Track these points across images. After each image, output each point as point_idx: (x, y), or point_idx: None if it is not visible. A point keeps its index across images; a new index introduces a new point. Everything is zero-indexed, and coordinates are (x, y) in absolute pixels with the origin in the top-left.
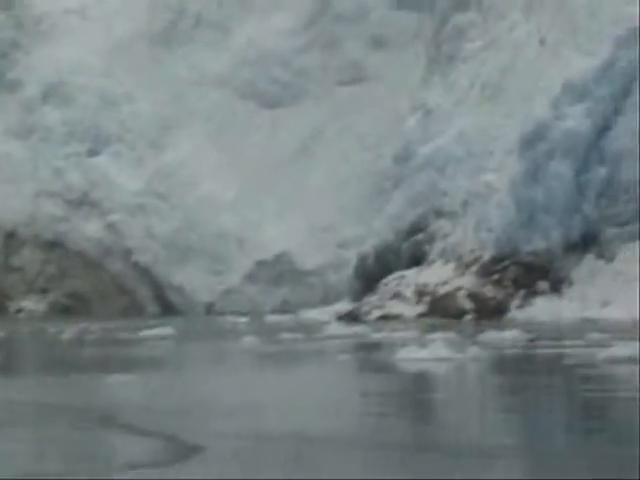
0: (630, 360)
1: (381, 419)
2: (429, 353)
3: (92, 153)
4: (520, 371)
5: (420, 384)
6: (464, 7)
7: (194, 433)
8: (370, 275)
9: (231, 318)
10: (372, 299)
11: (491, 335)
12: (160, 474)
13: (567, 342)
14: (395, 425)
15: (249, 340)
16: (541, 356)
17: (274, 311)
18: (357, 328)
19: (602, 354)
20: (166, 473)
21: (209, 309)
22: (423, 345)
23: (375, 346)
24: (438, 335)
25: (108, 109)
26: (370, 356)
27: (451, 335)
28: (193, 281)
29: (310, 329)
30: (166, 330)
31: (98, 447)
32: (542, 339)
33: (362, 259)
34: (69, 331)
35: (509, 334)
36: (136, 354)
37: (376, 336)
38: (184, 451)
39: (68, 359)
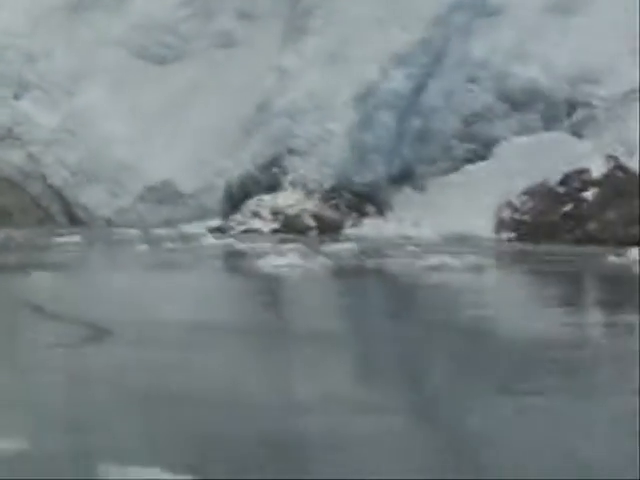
0: (441, 268)
1: (245, 310)
2: (285, 261)
3: (17, 97)
4: (355, 274)
5: (276, 284)
6: None
7: (106, 320)
8: (235, 198)
9: (125, 230)
10: (237, 217)
11: (332, 247)
12: (74, 353)
13: (392, 253)
14: (257, 315)
15: (140, 248)
16: (370, 264)
17: (159, 225)
18: (226, 240)
19: (418, 264)
20: (80, 352)
21: (108, 223)
22: (281, 254)
23: (241, 255)
24: (290, 246)
25: (30, 63)
26: (237, 263)
27: (300, 246)
28: (95, 200)
29: (188, 240)
30: (74, 238)
31: (27, 330)
32: (370, 251)
33: (229, 186)
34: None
35: (346, 246)
36: (51, 257)
37: (241, 246)
38: (97, 334)
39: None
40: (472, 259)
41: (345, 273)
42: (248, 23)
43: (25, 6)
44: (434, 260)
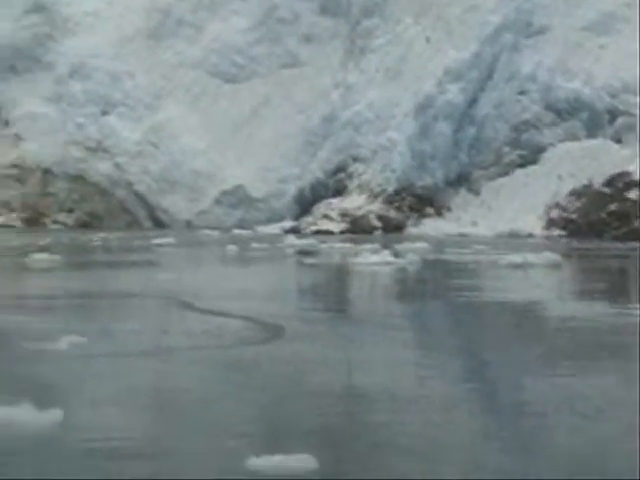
0: (525, 265)
1: (392, 303)
2: (379, 258)
3: (105, 113)
4: (449, 270)
5: (391, 279)
6: (370, 14)
7: (264, 315)
8: (306, 202)
9: (206, 232)
10: (308, 219)
11: (406, 246)
12: (267, 350)
13: (464, 251)
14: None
15: (232, 248)
16: (454, 260)
17: (235, 226)
18: (305, 240)
19: (502, 261)
20: (269, 349)
21: (188, 225)
22: (374, 252)
23: (330, 253)
24: (368, 246)
25: (116, 82)
26: (334, 260)
27: (376, 246)
28: (176, 205)
29: (270, 240)
30: (168, 239)
31: (202, 327)
32: (443, 249)
33: (300, 190)
34: (96, 239)
35: (418, 245)
36: (159, 256)
37: (323, 245)
38: (269, 331)
39: (120, 259)
40: (548, 256)
41: (441, 268)
42: (312, 45)
43: (112, 32)
44: (516, 257)
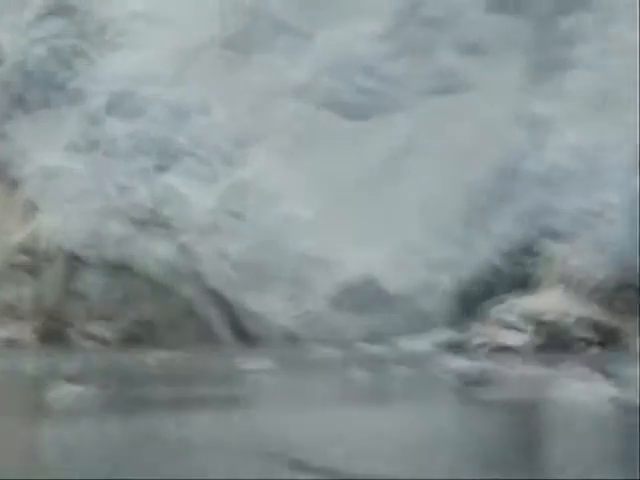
0: None
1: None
2: (593, 391)
3: (161, 168)
4: None
5: (607, 432)
6: (571, 9)
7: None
8: (471, 300)
9: (318, 348)
10: (475, 327)
11: (635, 371)
12: None
13: None
14: None
15: (359, 374)
16: None
17: (362, 339)
18: (470, 361)
19: None
20: None
21: (289, 337)
22: (585, 380)
23: (510, 382)
24: (572, 370)
25: (178, 121)
26: (517, 395)
27: (586, 370)
28: (270, 306)
29: (417, 361)
30: (263, 363)
31: None
32: None
33: (462, 283)
34: (149, 362)
35: None
36: (250, 389)
37: (501, 370)
38: None
39: (191, 394)
40: None
41: None
42: (478, 58)
43: (173, 44)
44: None
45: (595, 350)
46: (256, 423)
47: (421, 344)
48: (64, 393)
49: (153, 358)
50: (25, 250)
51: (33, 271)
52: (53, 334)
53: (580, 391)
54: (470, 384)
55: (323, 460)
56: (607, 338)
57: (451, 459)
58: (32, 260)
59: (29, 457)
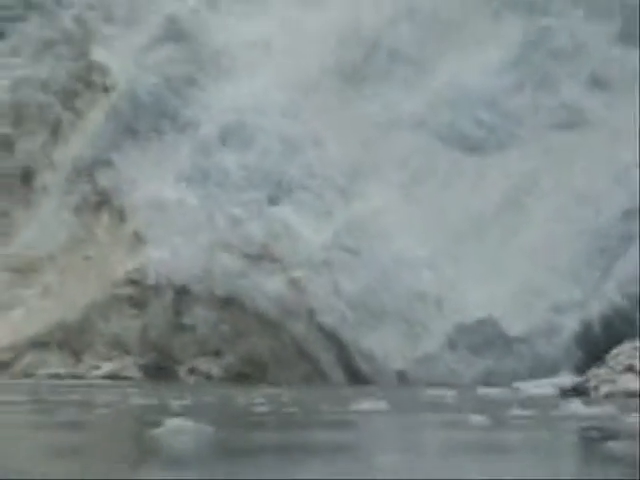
0: None
1: None
2: None
3: (273, 201)
4: None
5: None
6: None
7: None
8: (596, 344)
9: (432, 390)
10: (600, 372)
11: None
12: None
13: None
14: None
15: (477, 419)
16: None
17: (480, 382)
18: (596, 408)
19: None
20: None
21: (402, 378)
22: None
23: None
24: None
25: (292, 153)
26: None
27: None
28: (385, 346)
29: (539, 406)
30: (375, 403)
31: None
32: None
33: (586, 326)
34: (258, 400)
35: None
36: (363, 433)
37: (631, 419)
38: None
39: (302, 438)
40: None
41: None
42: (603, 93)
43: (287, 74)
44: None
45: None
46: (370, 467)
47: (542, 388)
48: (177, 428)
49: (261, 397)
50: (132, 282)
51: (139, 304)
52: (159, 370)
53: None
54: (595, 432)
55: None
56: None
57: None
58: (139, 293)
59: None
